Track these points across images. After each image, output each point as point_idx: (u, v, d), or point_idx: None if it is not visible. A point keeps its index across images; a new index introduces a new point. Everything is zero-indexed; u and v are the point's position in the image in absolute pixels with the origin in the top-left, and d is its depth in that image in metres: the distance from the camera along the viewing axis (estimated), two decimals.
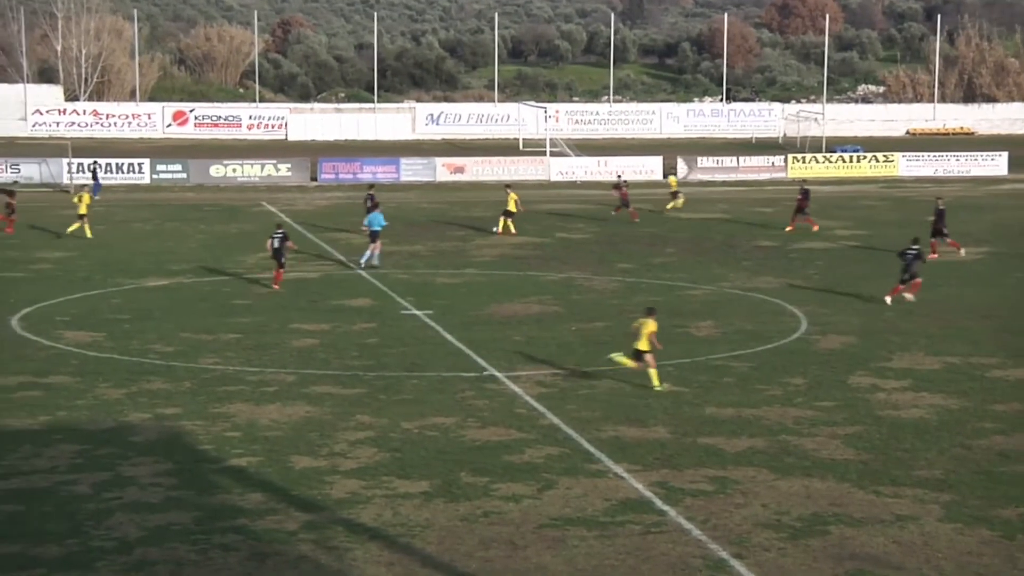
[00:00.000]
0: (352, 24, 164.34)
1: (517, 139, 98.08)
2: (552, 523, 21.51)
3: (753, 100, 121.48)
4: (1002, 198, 67.95)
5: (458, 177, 78.53)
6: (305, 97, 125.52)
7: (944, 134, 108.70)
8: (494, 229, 56.00)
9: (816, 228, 55.49)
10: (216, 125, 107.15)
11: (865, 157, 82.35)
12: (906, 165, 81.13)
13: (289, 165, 78.69)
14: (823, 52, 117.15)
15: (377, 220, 46.89)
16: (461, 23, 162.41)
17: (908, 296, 39.52)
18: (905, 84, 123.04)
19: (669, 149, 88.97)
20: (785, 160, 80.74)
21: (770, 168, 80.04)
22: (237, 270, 46.53)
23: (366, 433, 26.49)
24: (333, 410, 28.22)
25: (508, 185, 59.47)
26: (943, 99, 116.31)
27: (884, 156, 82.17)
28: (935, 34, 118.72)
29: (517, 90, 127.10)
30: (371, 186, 60.05)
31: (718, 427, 26.93)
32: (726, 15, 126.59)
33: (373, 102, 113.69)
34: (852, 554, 20.24)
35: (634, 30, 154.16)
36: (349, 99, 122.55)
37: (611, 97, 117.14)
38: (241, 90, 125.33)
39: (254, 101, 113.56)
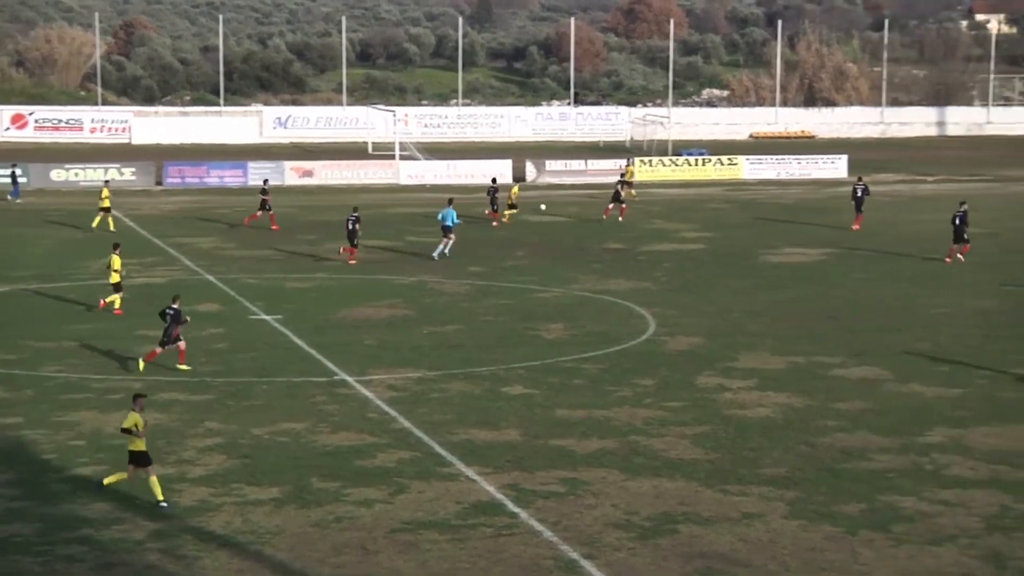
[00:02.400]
0: (197, 26, 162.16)
1: (366, 143, 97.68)
2: (404, 527, 21.47)
3: (600, 104, 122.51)
4: (843, 200, 69.36)
5: (307, 181, 77.95)
6: (149, 100, 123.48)
7: (786, 137, 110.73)
8: (501, 220, 58.66)
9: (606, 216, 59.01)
10: (57, 128, 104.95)
11: (710, 160, 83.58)
12: (750, 168, 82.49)
13: (133, 169, 77.40)
14: (668, 56, 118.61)
15: (450, 216, 49.52)
16: (308, 26, 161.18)
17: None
18: (748, 88, 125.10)
19: (518, 152, 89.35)
20: (632, 163, 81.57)
21: (617, 171, 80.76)
22: (82, 276, 45.65)
23: (215, 440, 26.17)
24: (181, 417, 27.83)
25: (519, 179, 62.49)
26: (785, 103, 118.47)
27: (728, 159, 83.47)
28: (776, 39, 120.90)
29: (366, 93, 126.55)
30: (265, 181, 62.08)
31: (569, 429, 27.11)
32: (573, 20, 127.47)
33: (219, 105, 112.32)
34: (701, 552, 20.52)
35: (482, 34, 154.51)
36: (195, 102, 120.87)
37: (460, 100, 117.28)
38: (83, 93, 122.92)
39: (96, 104, 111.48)
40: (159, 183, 76.78)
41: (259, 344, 35.02)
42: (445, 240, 49.58)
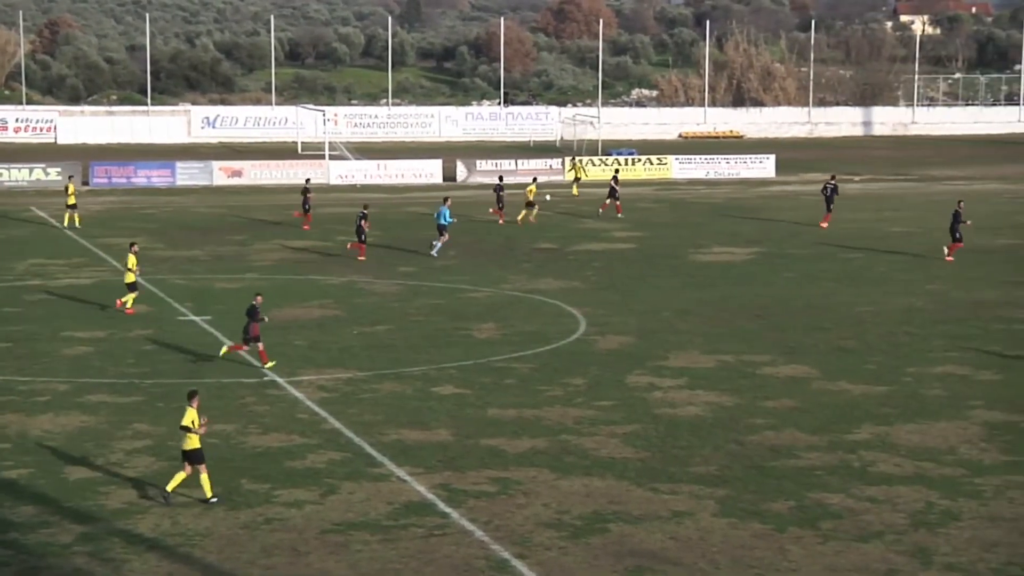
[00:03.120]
0: (124, 25, 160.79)
1: (296, 142, 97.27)
2: (335, 528, 21.40)
3: (530, 103, 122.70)
4: (770, 200, 69.99)
5: (236, 181, 77.51)
6: (75, 99, 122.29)
7: (715, 137, 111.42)
8: (528, 220, 58.52)
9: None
10: None
11: (639, 160, 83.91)
12: (679, 167, 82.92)
13: (59, 169, 76.55)
14: (598, 56, 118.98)
15: (443, 215, 50.49)
16: (237, 25, 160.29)
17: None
18: (677, 88, 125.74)
19: (448, 152, 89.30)
20: (562, 163, 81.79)
21: (548, 171, 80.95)
22: (7, 277, 45.13)
23: (144, 442, 25.97)
24: (109, 419, 27.59)
25: (535, 179, 62.82)
26: (713, 103, 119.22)
27: (658, 159, 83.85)
28: (705, 39, 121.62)
29: (295, 93, 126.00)
30: (307, 180, 63.19)
31: (500, 428, 27.14)
32: (503, 19, 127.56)
33: (147, 105, 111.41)
34: (631, 551, 20.61)
35: (412, 33, 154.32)
36: (121, 101, 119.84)
37: (390, 100, 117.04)
38: (7, 92, 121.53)
39: (21, 103, 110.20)
40: (85, 183, 76.03)
41: (188, 345, 34.78)
42: (442, 238, 50.40)
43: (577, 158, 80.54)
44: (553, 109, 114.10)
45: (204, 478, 22.50)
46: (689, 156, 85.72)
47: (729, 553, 20.56)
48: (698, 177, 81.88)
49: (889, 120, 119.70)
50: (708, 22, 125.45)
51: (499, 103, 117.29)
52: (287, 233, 56.38)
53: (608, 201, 62.55)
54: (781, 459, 25.20)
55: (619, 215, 61.30)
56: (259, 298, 32.70)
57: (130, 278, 38.74)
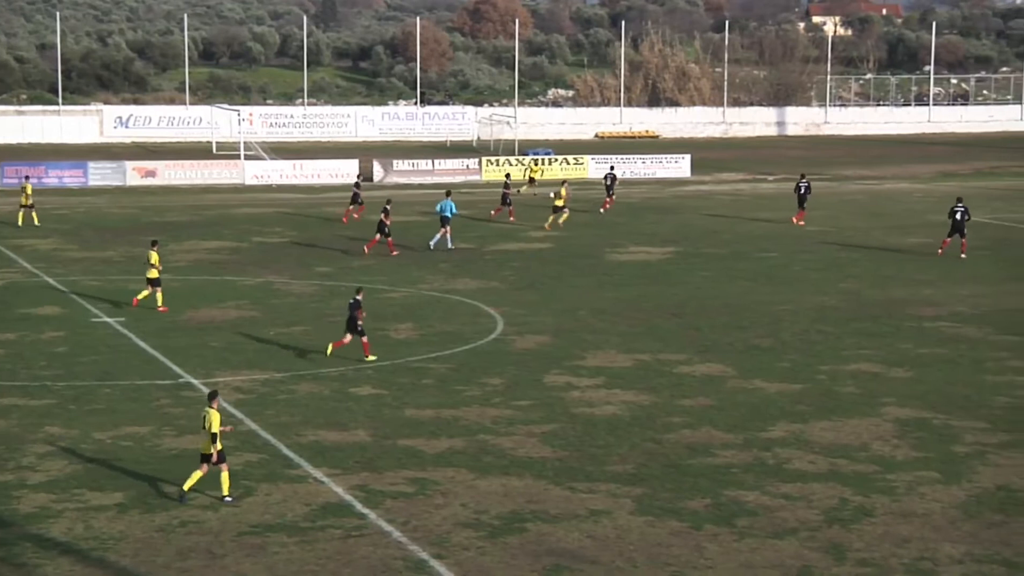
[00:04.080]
0: (33, 23, 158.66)
1: (210, 142, 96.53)
2: (252, 530, 21.28)
3: (447, 103, 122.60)
4: (686, 199, 70.44)
5: (149, 181, 76.74)
6: None
7: (631, 137, 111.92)
8: (552, 222, 57.18)
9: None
10: None
11: (556, 160, 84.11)
12: (595, 167, 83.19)
13: None
14: (514, 56, 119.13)
15: (448, 207, 51.43)
16: (150, 24, 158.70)
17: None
18: (593, 88, 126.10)
19: (365, 152, 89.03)
20: (479, 163, 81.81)
21: (465, 171, 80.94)
22: None
23: (56, 445, 25.66)
24: (20, 422, 27.23)
25: (564, 181, 61.22)
26: (629, 103, 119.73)
27: (574, 159, 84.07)
28: (620, 40, 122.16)
29: (210, 92, 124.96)
30: (359, 176, 65.79)
31: (418, 428, 27.11)
32: (419, 19, 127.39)
33: (58, 104, 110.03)
34: (549, 550, 20.66)
35: (327, 33, 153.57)
36: (32, 101, 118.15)
37: (305, 100, 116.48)
38: None
39: None
40: None
41: (101, 347, 34.41)
42: (443, 231, 51.32)
43: (532, 158, 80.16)
44: (470, 109, 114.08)
45: (225, 476, 22.69)
46: (605, 156, 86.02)
47: (646, 551, 20.68)
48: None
49: (802, 120, 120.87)
50: (623, 22, 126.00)
51: (415, 103, 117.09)
52: (203, 233, 55.94)
53: (608, 199, 64.20)
54: (697, 457, 25.38)
55: (602, 211, 61.70)
56: (362, 292, 33.55)
57: (153, 274, 39.01)
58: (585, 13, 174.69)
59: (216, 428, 22.73)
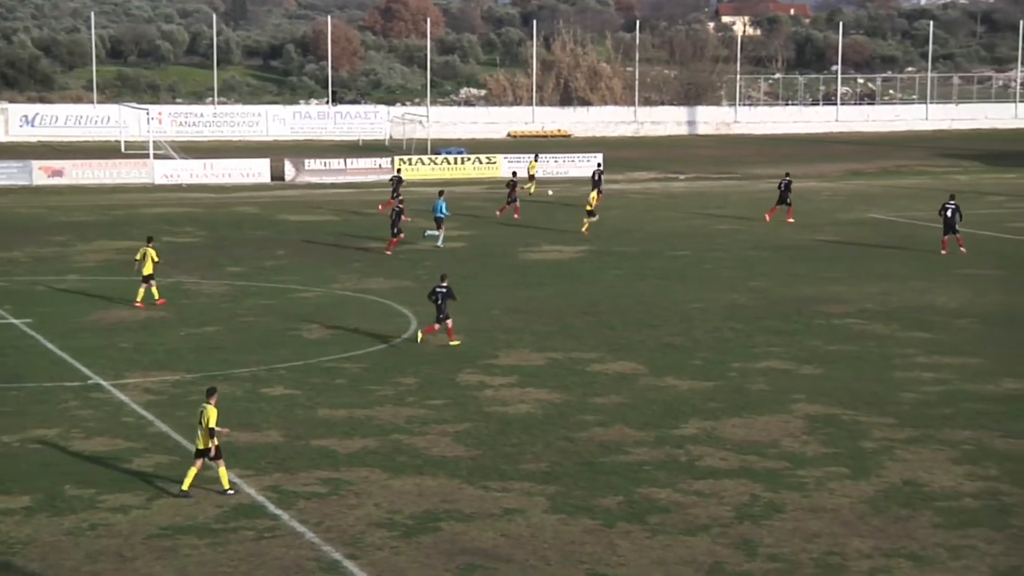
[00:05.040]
0: None
1: (119, 141, 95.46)
2: (162, 533, 21.09)
3: (359, 102, 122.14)
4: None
5: (56, 181, 75.74)
6: None
7: (543, 136, 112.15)
8: (582, 229, 55.95)
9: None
10: None
11: (469, 159, 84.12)
12: (508, 166, 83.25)
13: None
14: (426, 55, 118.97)
15: (440, 207, 52.33)
16: (56, 21, 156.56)
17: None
18: (505, 87, 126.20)
19: (276, 151, 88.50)
20: (392, 162, 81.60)
21: (377, 170, 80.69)
22: None
23: None
24: None
25: (596, 183, 60.47)
26: (541, 102, 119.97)
27: (487, 158, 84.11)
28: (532, 39, 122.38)
29: (118, 91, 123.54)
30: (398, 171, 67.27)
31: (331, 429, 27.01)
32: (330, 18, 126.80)
33: None
34: (463, 549, 20.68)
35: (237, 31, 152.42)
36: None
37: (216, 99, 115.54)
38: None
39: None
40: None
41: (7, 349, 33.93)
42: (440, 229, 52.30)
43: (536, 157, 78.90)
44: (382, 108, 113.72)
45: (223, 471, 22.90)
46: (518, 155, 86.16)
47: (559, 549, 20.74)
48: (527, 176, 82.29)
49: (713, 119, 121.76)
50: (535, 22, 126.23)
51: (327, 102, 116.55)
52: (112, 233, 55.30)
53: (593, 193, 64.07)
54: (610, 455, 25.50)
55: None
56: (446, 279, 35.04)
57: (148, 269, 39.48)
58: (497, 12, 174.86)
59: (214, 423, 22.89)
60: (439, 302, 34.59)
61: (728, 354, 34.00)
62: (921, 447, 26.09)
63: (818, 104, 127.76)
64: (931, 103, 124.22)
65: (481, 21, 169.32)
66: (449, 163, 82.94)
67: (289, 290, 42.94)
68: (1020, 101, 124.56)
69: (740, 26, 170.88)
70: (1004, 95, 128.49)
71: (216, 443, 22.99)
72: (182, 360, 32.98)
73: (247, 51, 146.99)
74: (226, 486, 22.97)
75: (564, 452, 25.69)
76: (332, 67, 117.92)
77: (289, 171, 79.16)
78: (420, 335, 34.98)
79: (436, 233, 52.57)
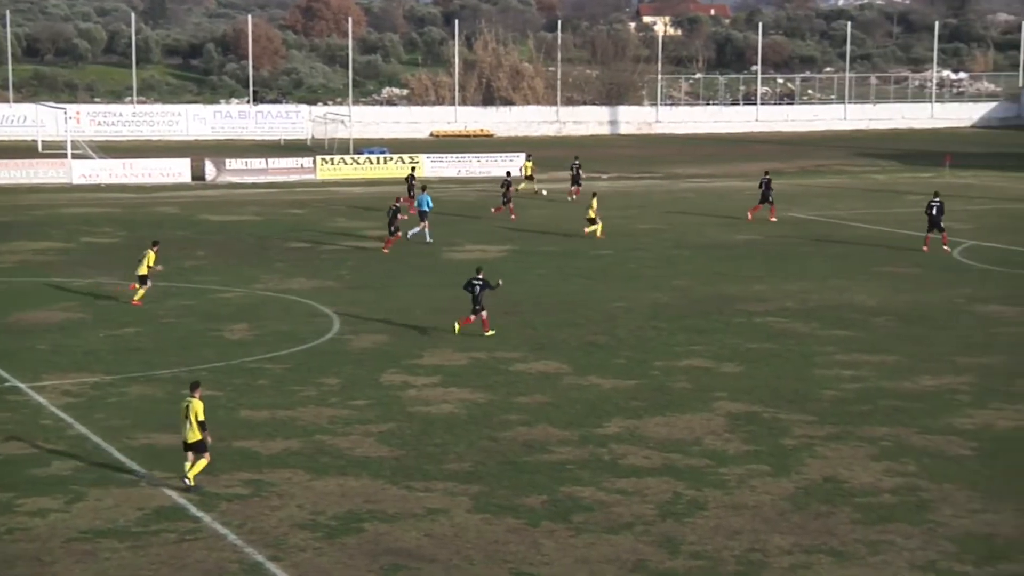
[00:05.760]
0: None
1: (36, 141, 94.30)
2: (82, 536, 20.88)
3: (280, 102, 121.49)
4: (521, 197, 70.71)
5: None
6: None
7: (466, 136, 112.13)
8: (598, 234, 54.67)
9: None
10: None
11: (391, 158, 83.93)
12: (431, 166, 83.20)
13: None
14: (348, 55, 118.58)
15: (425, 201, 53.29)
16: None
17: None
18: (428, 87, 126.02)
19: (197, 151, 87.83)
20: (314, 162, 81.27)
21: (299, 170, 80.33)
22: None
23: None
24: None
25: (595, 193, 58.37)
26: (464, 102, 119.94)
27: (410, 157, 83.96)
28: (454, 39, 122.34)
29: (34, 90, 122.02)
30: (412, 169, 68.56)
31: (253, 430, 26.86)
32: (250, 17, 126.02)
33: None
34: (386, 549, 20.64)
35: (157, 30, 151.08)
36: None
37: (135, 98, 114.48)
38: None
39: None
40: None
41: None
42: (422, 224, 52.80)
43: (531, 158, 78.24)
44: (303, 107, 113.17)
45: (202, 463, 23.08)
46: (440, 155, 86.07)
47: (483, 549, 20.76)
48: (450, 176, 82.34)
49: (634, 119, 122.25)
50: (457, 21, 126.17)
51: (248, 101, 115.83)
52: (30, 234, 54.64)
53: (573, 187, 66.67)
54: (534, 454, 25.55)
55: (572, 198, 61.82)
56: (482, 272, 36.23)
57: (142, 271, 39.80)
58: (419, 12, 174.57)
59: (203, 416, 23.10)
60: (475, 293, 35.57)
61: (651, 353, 34.18)
62: (840, 444, 26.36)
63: (738, 104, 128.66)
64: (849, 103, 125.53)
65: (403, 20, 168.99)
66: (372, 163, 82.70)
67: (210, 291, 42.64)
68: (936, 101, 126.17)
69: (661, 26, 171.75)
70: (920, 95, 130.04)
71: (197, 438, 23.20)
72: (101, 362, 32.65)
73: (167, 50, 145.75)
74: (190, 479, 23.08)
75: (488, 452, 25.71)
76: (253, 66, 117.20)
77: (210, 171, 78.60)
78: (457, 326, 35.93)
79: (419, 230, 52.85)
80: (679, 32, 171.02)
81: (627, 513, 22.34)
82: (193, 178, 77.43)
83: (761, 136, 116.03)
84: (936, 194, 52.24)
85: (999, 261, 48.93)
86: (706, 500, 23.03)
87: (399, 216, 50.85)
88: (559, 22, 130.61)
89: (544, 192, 68.36)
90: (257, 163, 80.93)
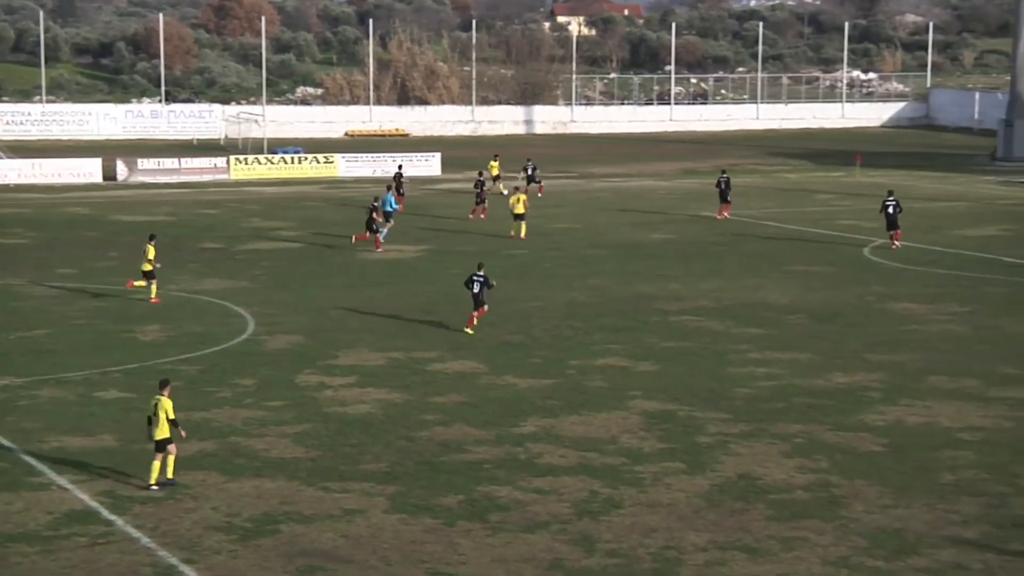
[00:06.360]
0: None
1: None
2: None
3: (193, 101, 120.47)
4: (437, 197, 70.76)
5: None
6: None
7: (381, 135, 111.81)
8: (521, 235, 54.49)
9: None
10: None
11: (306, 158, 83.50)
12: (346, 166, 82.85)
13: None
14: (261, 54, 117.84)
15: (389, 201, 53.66)
16: None
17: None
18: (343, 87, 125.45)
19: (108, 151, 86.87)
20: (228, 161, 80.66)
21: (213, 170, 79.67)
22: None
23: None
24: None
25: (516, 187, 58.26)
26: (379, 101, 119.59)
27: (325, 157, 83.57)
28: (369, 38, 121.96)
29: None
30: (400, 167, 69.18)
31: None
32: (161, 15, 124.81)
33: None
34: (302, 551, 20.55)
35: (66, 28, 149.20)
36: None
37: (44, 97, 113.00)
38: None
39: None
40: None
41: None
42: (389, 224, 52.82)
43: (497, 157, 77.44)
44: (217, 107, 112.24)
45: (172, 460, 23.15)
46: (356, 154, 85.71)
47: (400, 549, 20.74)
48: (365, 175, 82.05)
49: (550, 119, 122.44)
50: (371, 21, 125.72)
51: (160, 101, 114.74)
52: None
53: (531, 186, 66.05)
54: (451, 454, 25.55)
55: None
56: (483, 268, 36.86)
57: (147, 267, 40.10)
58: (332, 11, 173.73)
59: (172, 415, 23.17)
60: (476, 290, 36.12)
61: (567, 352, 34.29)
62: (754, 441, 26.60)
63: (652, 104, 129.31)
64: (761, 103, 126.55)
65: (317, 20, 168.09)
66: (286, 162, 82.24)
67: (123, 292, 42.20)
68: (847, 101, 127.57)
69: (575, 26, 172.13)
70: (831, 95, 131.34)
71: (165, 435, 23.31)
72: (11, 364, 32.22)
73: (76, 48, 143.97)
74: (152, 480, 23.17)
75: (404, 452, 25.68)
76: (165, 65, 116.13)
77: (121, 171, 77.76)
78: (469, 330, 36.28)
79: (387, 231, 52.72)
80: (593, 32, 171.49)
81: (544, 512, 22.40)
82: (104, 178, 76.56)
83: (675, 136, 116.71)
84: (890, 193, 53.03)
85: (909, 259, 49.59)
86: (622, 498, 23.15)
87: (375, 215, 51.10)
88: (474, 22, 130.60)
89: (504, 192, 68.16)
90: (170, 163, 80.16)
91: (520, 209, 54.56)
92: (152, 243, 40.66)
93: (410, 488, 23.52)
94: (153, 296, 40.26)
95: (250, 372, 31.72)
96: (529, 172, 68.96)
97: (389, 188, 55.88)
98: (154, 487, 23.05)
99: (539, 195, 67.36)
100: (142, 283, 40.50)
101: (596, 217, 61.83)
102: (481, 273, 36.68)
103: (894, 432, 27.40)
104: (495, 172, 71.57)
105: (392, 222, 53.45)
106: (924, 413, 28.85)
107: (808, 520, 22.21)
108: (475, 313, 36.58)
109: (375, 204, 51.91)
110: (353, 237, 51.75)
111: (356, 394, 29.91)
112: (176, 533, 21.15)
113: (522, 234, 54.39)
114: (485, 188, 62.20)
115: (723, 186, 60.70)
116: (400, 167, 69.49)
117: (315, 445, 26.03)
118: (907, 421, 28.25)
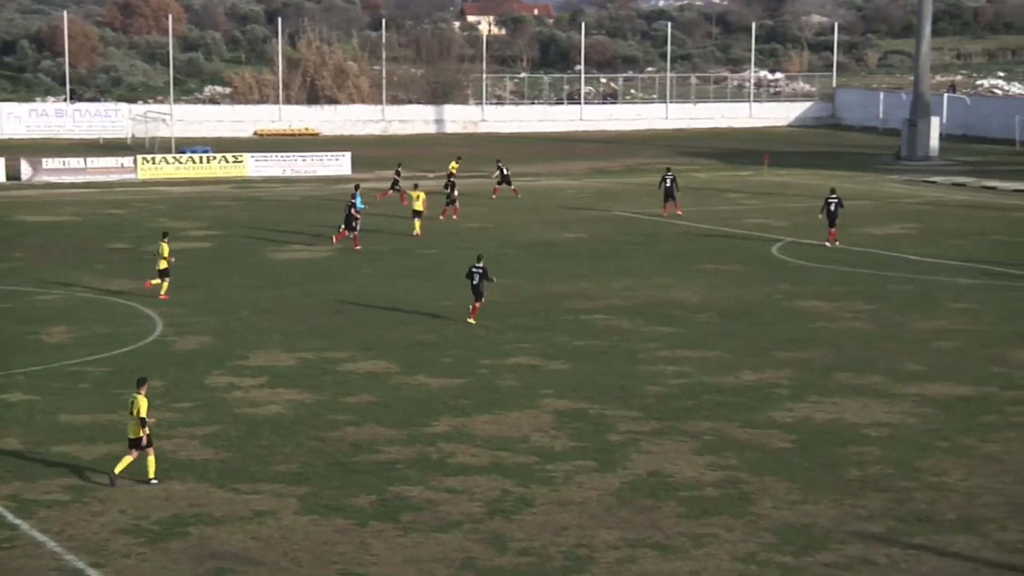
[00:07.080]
0: None
1: None
2: None
3: (99, 100, 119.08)
4: (345, 196, 70.43)
5: None
6: None
7: (290, 135, 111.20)
8: (415, 233, 54.39)
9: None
10: None
11: (215, 158, 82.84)
12: (255, 165, 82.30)
13: None
14: (168, 52, 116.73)
15: (358, 200, 53.04)
16: None
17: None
18: (251, 85, 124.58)
19: (12, 151, 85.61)
20: (135, 161, 79.81)
21: (120, 169, 78.79)
22: None
23: None
24: None
25: (416, 184, 58.15)
26: (288, 100, 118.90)
27: (234, 156, 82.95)
28: (278, 37, 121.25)
29: None
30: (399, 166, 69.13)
31: (73, 434, 26.32)
32: (65, 13, 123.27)
33: None
34: (212, 553, 20.41)
35: None
36: None
37: None
38: None
39: None
40: None
41: None
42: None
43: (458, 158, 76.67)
44: (123, 106, 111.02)
45: (151, 460, 23.10)
46: (265, 154, 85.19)
47: (311, 550, 20.65)
48: (275, 175, 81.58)
49: (460, 118, 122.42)
50: (280, 19, 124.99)
51: (65, 99, 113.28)
52: None
53: (499, 187, 67.67)
54: (362, 454, 25.49)
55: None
56: (482, 259, 37.70)
57: (162, 265, 40.62)
58: (241, 9, 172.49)
59: (144, 413, 23.10)
60: (475, 282, 36.68)
61: (478, 351, 34.32)
62: (665, 439, 26.79)
63: (563, 103, 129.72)
64: (671, 103, 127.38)
65: (225, 18, 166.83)
66: (194, 162, 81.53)
67: (28, 293, 41.64)
68: (754, 101, 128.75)
69: (485, 25, 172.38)
70: (739, 95, 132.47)
71: (147, 432, 23.32)
72: None
73: None
74: (151, 476, 23.20)
75: (315, 452, 25.58)
76: (70, 64, 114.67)
77: (26, 170, 76.67)
78: (472, 320, 37.09)
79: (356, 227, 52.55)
80: (503, 32, 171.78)
81: (456, 511, 22.41)
82: (8, 178, 75.47)
83: (586, 135, 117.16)
84: (833, 191, 53.86)
85: (816, 258, 50.17)
86: (534, 497, 23.22)
87: (354, 212, 51.15)
88: (383, 21, 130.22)
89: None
90: (75, 162, 79.16)
91: (419, 207, 54.81)
92: (165, 240, 41.15)
93: (321, 489, 23.43)
94: (163, 292, 40.61)
95: (158, 373, 31.40)
96: (504, 173, 69.28)
97: (357, 187, 54.88)
98: (116, 479, 23.38)
99: (517, 196, 67.80)
100: (158, 281, 40.78)
101: (508, 216, 61.91)
102: (480, 265, 37.34)
103: (802, 429, 27.72)
104: (454, 170, 71.72)
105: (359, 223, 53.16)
106: (831, 410, 29.20)
107: (718, 517, 22.41)
108: (476, 304, 37.23)
109: (352, 202, 51.65)
110: (334, 237, 51.70)
111: (266, 395, 29.74)
112: (83, 537, 20.91)
113: (416, 231, 54.65)
114: (456, 187, 61.98)
115: (668, 184, 61.30)
116: (399, 166, 69.39)
117: (225, 446, 25.85)
118: (815, 418, 28.58)
